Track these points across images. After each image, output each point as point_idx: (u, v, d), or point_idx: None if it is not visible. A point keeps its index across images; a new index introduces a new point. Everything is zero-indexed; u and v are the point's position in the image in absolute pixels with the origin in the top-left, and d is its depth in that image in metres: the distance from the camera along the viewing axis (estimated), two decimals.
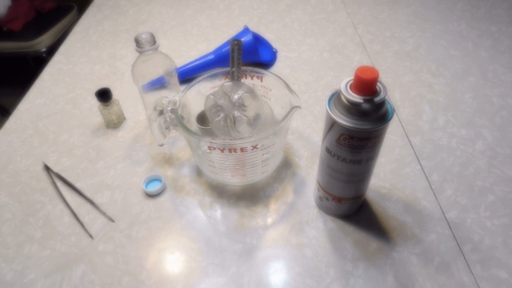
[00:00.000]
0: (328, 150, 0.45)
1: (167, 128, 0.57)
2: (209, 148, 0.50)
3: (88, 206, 0.57)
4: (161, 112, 0.54)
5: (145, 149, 0.65)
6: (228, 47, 0.53)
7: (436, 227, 0.52)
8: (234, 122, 0.52)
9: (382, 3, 1.05)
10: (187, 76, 0.79)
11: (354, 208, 0.53)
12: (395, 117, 0.69)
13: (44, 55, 1.76)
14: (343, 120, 0.40)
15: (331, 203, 0.52)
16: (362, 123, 0.39)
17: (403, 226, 0.52)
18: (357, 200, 0.52)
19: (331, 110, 0.42)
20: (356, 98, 0.39)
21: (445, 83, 0.77)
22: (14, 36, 1.74)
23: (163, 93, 0.61)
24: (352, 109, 0.40)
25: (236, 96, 0.52)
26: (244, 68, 0.56)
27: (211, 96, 0.54)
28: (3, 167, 0.64)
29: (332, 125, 0.42)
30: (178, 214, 0.55)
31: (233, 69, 0.54)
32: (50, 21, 1.84)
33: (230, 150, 0.50)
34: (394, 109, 0.41)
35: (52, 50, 1.61)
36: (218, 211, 0.55)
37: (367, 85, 0.38)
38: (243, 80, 0.57)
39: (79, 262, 0.50)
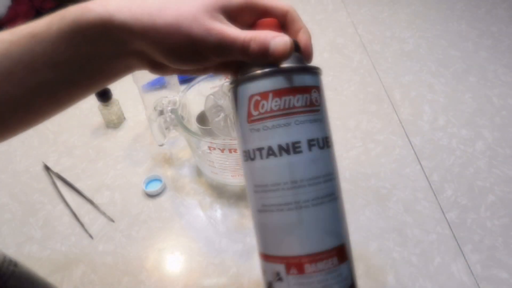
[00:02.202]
0: (247, 155, 0.26)
1: (167, 128, 0.57)
2: (209, 148, 0.50)
3: (88, 206, 0.57)
4: (161, 112, 0.54)
5: (145, 149, 0.65)
6: None
7: (436, 227, 0.52)
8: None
9: (382, 3, 1.05)
10: (187, 76, 0.78)
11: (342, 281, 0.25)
12: (395, 117, 0.69)
13: None
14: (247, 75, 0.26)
15: (288, 280, 0.25)
16: (275, 68, 0.26)
17: (403, 226, 0.52)
18: (338, 257, 0.25)
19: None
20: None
21: (445, 83, 0.76)
22: None
23: (163, 93, 0.61)
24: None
25: None
26: None
27: (211, 96, 0.54)
28: (3, 167, 0.64)
29: (235, 98, 0.27)
30: (178, 214, 0.55)
31: None
32: None
33: (230, 150, 0.50)
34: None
35: None
36: (218, 211, 0.55)
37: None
38: None
39: (79, 262, 0.50)
